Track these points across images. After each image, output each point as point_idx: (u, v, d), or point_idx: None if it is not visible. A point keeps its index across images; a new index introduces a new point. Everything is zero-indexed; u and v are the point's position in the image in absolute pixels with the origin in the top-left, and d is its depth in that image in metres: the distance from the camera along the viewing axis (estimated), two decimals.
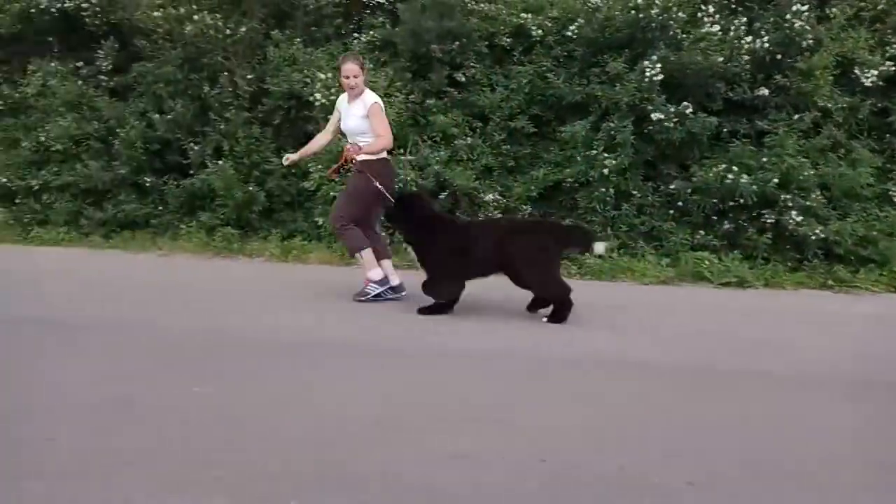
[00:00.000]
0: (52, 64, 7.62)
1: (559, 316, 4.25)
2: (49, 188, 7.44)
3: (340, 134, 5.15)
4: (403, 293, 4.96)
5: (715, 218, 6.37)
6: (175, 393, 2.95)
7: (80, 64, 7.72)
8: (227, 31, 7.33)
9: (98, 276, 5.92)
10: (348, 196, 4.98)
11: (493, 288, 4.63)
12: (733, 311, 4.91)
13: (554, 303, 4.31)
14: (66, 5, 7.40)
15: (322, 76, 6.90)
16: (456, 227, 4.63)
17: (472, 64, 6.98)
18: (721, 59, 6.40)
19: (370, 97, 4.89)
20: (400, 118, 6.91)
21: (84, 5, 7.43)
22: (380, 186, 4.74)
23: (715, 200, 6.26)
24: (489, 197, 6.67)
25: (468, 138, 6.87)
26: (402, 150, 7.03)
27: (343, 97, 5.06)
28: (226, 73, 7.36)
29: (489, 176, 6.88)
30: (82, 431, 2.51)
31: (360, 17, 7.61)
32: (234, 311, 4.64)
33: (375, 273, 4.90)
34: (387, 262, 5.03)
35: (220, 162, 7.16)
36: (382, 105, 4.96)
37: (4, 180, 7.51)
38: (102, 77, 7.66)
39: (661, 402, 3.00)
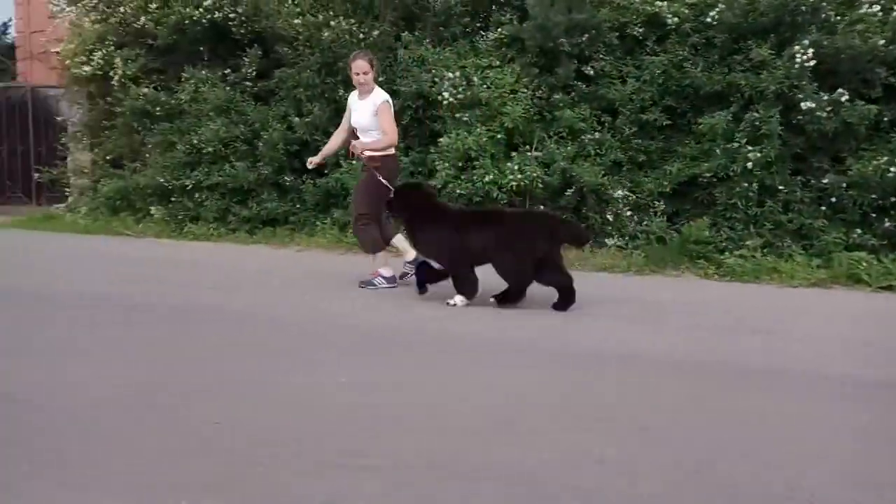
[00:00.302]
0: (203, 72, 8.23)
1: (507, 300, 4.45)
2: (201, 187, 8.06)
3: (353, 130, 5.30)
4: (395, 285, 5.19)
5: (874, 215, 5.85)
6: (324, 382, 3.09)
7: (227, 71, 8.29)
8: (360, 36, 7.60)
9: (243, 268, 6.34)
10: (361, 193, 5.21)
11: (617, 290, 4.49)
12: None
13: (510, 288, 4.46)
14: (215, 16, 7.97)
15: (450, 75, 7.00)
16: (452, 215, 4.73)
17: (601, 56, 6.80)
18: (882, 41, 5.85)
19: (380, 95, 5.10)
20: (527, 114, 6.88)
21: (231, 15, 7.97)
22: (382, 180, 4.96)
23: (874, 196, 5.75)
24: (618, 193, 6.50)
25: (596, 133, 6.72)
26: (527, 147, 7.00)
27: (354, 94, 5.30)
28: None
29: (618, 171, 6.70)
30: (249, 415, 2.69)
31: (488, 15, 7.62)
32: (376, 305, 4.78)
33: (388, 271, 5.19)
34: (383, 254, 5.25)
35: (353, 162, 7.43)
36: (391, 103, 5.17)
37: (162, 181, 8.21)
38: (248, 83, 8.18)
39: (828, 413, 2.78)
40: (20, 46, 21.71)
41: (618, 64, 6.82)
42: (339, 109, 7.88)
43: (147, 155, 8.70)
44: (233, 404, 2.76)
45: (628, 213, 6.54)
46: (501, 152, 6.99)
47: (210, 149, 7.90)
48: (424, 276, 4.74)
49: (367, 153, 5.06)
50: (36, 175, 10.61)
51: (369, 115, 5.09)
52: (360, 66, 5.07)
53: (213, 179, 7.94)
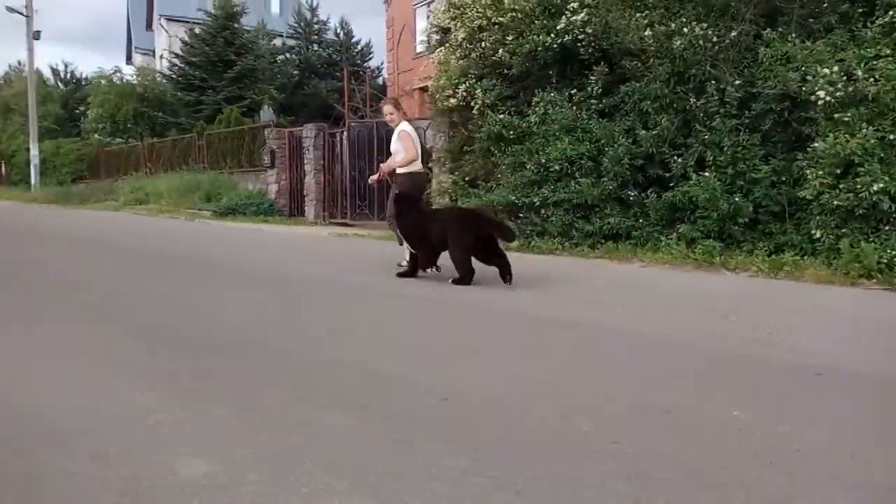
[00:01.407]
0: (552, 94, 8.64)
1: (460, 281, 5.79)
2: (546, 203, 8.44)
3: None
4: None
5: None
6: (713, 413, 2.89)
7: (573, 91, 8.57)
8: (714, 39, 7.17)
9: (587, 280, 6.40)
10: (391, 200, 6.72)
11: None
12: None
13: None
14: (565, 40, 8.31)
15: (825, 71, 6.17)
16: (427, 214, 6.43)
17: None
18: None
19: (402, 126, 6.73)
20: None
21: (580, 37, 8.22)
22: (397, 191, 6.50)
23: None
24: None
25: None
26: None
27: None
28: (713, 82, 7.20)
29: None
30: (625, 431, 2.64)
31: None
32: (746, 328, 4.41)
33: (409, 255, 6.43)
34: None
35: (706, 174, 7.03)
36: (410, 131, 6.70)
37: (513, 198, 8.81)
38: (593, 101, 8.35)
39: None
40: (391, 86, 25.86)
41: None
42: (688, 120, 7.58)
43: (499, 175, 9.44)
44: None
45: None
46: (893, 156, 5.89)
47: (557, 167, 8.22)
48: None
49: (398, 170, 6.64)
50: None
51: (395, 141, 6.69)
52: (387, 110, 6.95)
53: (559, 196, 8.23)
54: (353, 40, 33.29)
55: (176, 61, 27.59)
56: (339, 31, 33.46)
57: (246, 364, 3.51)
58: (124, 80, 26.97)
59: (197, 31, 26.66)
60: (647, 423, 2.64)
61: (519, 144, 8.94)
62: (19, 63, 40.53)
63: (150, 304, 5.27)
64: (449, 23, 10.15)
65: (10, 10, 26.35)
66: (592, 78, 8.34)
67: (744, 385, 3.19)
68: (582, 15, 8.23)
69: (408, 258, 6.45)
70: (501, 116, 9.02)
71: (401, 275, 6.34)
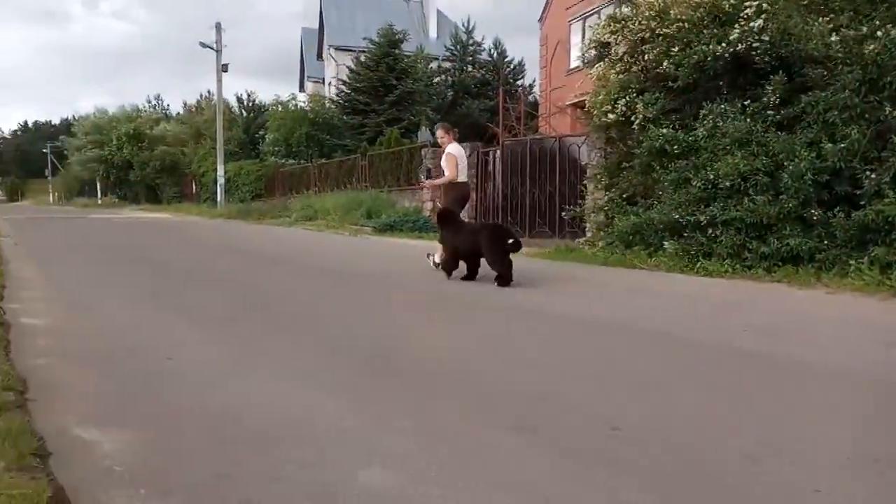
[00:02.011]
0: (722, 106, 8.14)
1: (501, 281, 6.85)
2: (715, 223, 7.93)
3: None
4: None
5: None
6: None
7: (746, 102, 8.02)
8: None
9: (762, 311, 5.91)
10: (447, 203, 8.14)
11: None
12: None
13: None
14: (738, 48, 7.82)
15: None
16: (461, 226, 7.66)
17: None
18: None
19: (449, 148, 8.22)
20: None
21: (755, 45, 7.69)
22: (439, 204, 8.11)
23: None
24: None
25: None
26: None
27: None
28: None
29: None
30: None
31: None
32: None
33: (438, 256, 7.87)
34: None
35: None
36: (455, 152, 8.15)
37: (676, 216, 8.38)
38: (769, 112, 7.75)
39: None
40: (543, 102, 25.83)
41: None
42: (882, 132, 6.81)
43: (660, 192, 9.04)
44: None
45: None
46: None
47: (727, 183, 7.71)
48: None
49: (437, 183, 8.66)
50: (563, 213, 12.18)
51: (443, 161, 8.22)
52: (439, 134, 8.60)
53: (730, 214, 7.70)
54: (507, 59, 33.77)
55: (343, 87, 29.62)
56: (492, 51, 34.14)
57: (412, 377, 3.62)
58: (298, 107, 29.32)
59: (362, 58, 28.45)
60: (853, 474, 2.36)
61: (683, 160, 8.51)
62: (209, 93, 45.72)
63: (332, 316, 5.62)
64: (609, 37, 9.94)
65: (203, 45, 29.74)
66: (769, 88, 7.75)
67: None
68: (759, 22, 7.70)
69: (437, 256, 7.89)
70: (664, 130, 8.64)
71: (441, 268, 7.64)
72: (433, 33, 40.01)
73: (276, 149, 29.59)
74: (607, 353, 4.34)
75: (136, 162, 42.36)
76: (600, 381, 3.61)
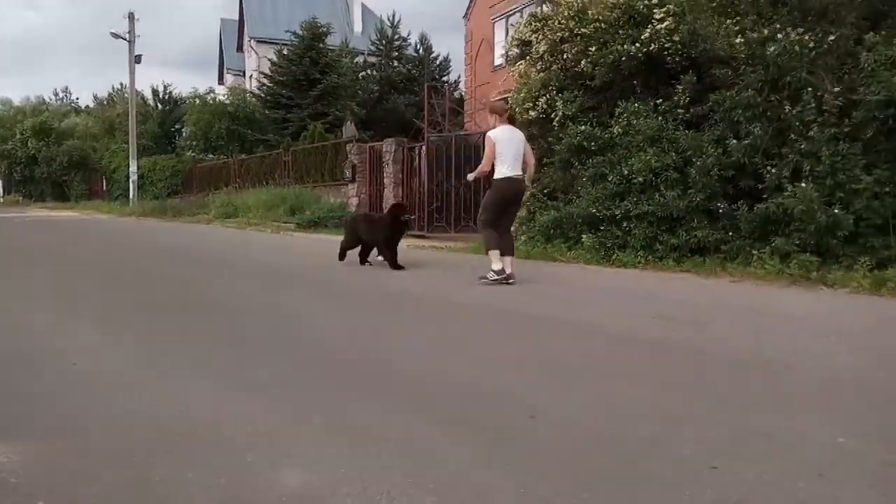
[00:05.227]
0: (636, 104, 8.45)
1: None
2: (629, 216, 8.24)
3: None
4: (512, 281, 6.53)
5: None
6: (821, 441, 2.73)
7: (659, 101, 8.35)
8: (811, 45, 6.84)
9: (673, 298, 6.19)
10: (482, 204, 6.91)
11: None
12: None
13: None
14: (651, 49, 8.12)
15: None
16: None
17: None
18: None
19: (490, 133, 6.76)
20: None
21: (667, 45, 8.02)
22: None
23: None
24: None
25: None
26: None
27: None
28: (809, 89, 6.86)
29: None
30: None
31: None
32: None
33: (496, 265, 6.52)
34: (508, 259, 6.67)
35: (802, 185, 6.68)
36: (494, 136, 6.64)
37: (593, 211, 8.66)
38: (679, 110, 8.11)
39: None
40: (469, 99, 26.05)
41: None
42: (782, 129, 7.24)
43: (579, 188, 9.30)
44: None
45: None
46: None
47: (640, 178, 8.02)
48: None
49: (472, 178, 7.40)
50: None
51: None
52: (489, 118, 7.07)
53: (643, 208, 8.02)
54: (432, 55, 33.83)
55: (265, 81, 28.89)
56: (418, 46, 34.13)
57: (339, 375, 3.59)
58: (217, 100, 28.40)
59: (284, 51, 27.86)
60: (749, 450, 2.51)
61: (601, 156, 8.79)
62: (122, 85, 43.61)
63: (248, 313, 5.48)
64: (530, 35, 10.12)
65: (115, 35, 28.32)
66: (679, 87, 8.11)
67: (853, 409, 3.00)
68: (668, 23, 8.03)
69: (496, 268, 6.55)
70: (583, 128, 8.89)
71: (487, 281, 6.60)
72: (358, 27, 39.63)
73: (194, 143, 28.60)
74: (526, 343, 4.42)
75: (42, 157, 39.84)
76: (519, 371, 3.68)
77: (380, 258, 8.25)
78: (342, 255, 8.49)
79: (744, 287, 6.59)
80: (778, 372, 3.64)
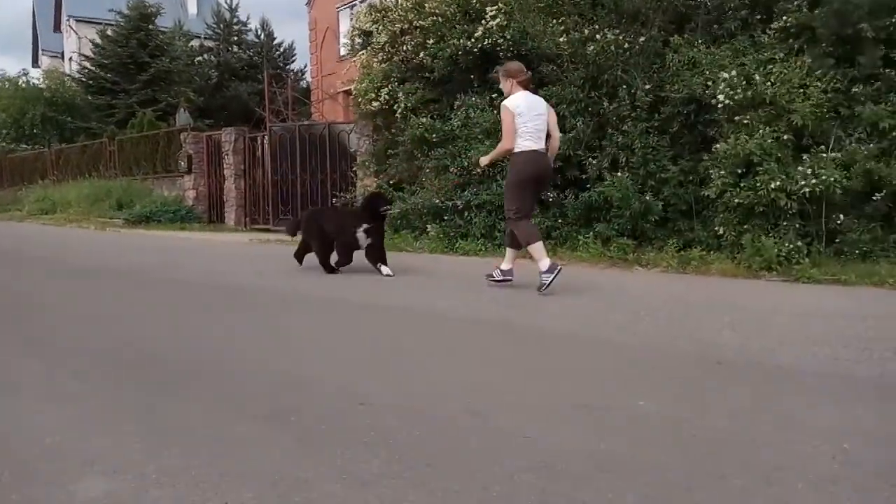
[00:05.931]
0: (474, 98, 8.75)
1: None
2: (470, 206, 8.53)
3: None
4: (511, 279, 5.75)
5: None
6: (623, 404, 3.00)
7: (494, 96, 8.70)
8: (626, 45, 7.45)
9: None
10: (505, 195, 5.63)
11: None
12: None
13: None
14: (485, 44, 8.44)
15: (725, 75, 6.52)
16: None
17: None
18: None
19: (506, 101, 5.40)
20: (819, 111, 6.10)
21: (500, 42, 8.37)
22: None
23: None
24: None
25: None
26: (820, 147, 6.20)
27: None
28: (624, 87, 7.48)
29: None
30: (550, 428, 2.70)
31: (770, 5, 6.96)
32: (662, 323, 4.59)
33: (544, 263, 5.26)
34: (511, 252, 5.75)
35: (619, 174, 7.28)
36: (513, 106, 5.30)
37: (437, 201, 8.87)
38: None
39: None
40: (315, 89, 25.52)
41: None
42: (602, 123, 7.83)
43: (423, 179, 9.47)
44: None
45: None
46: (789, 155, 6.29)
47: (478, 169, 8.31)
48: None
49: (487, 160, 5.93)
50: (333, 199, 12.18)
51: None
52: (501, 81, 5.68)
53: (481, 198, 8.33)
54: (275, 42, 32.69)
55: (86, 64, 26.35)
56: (259, 32, 32.79)
57: (155, 376, 3.38)
58: (30, 84, 25.52)
59: (108, 32, 25.57)
60: (560, 418, 2.71)
61: (442, 148, 9.00)
62: None
63: (50, 315, 5.00)
64: (371, 26, 10.12)
65: None
66: None
67: (653, 377, 3.33)
68: (499, 20, 8.37)
69: (503, 267, 5.80)
70: (424, 120, 9.05)
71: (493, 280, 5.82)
72: (193, 10, 37.28)
73: (4, 132, 25.49)
74: (363, 333, 4.44)
75: None
76: (353, 360, 3.69)
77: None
78: (300, 258, 7.20)
79: (569, 270, 7.05)
80: (593, 345, 3.95)
